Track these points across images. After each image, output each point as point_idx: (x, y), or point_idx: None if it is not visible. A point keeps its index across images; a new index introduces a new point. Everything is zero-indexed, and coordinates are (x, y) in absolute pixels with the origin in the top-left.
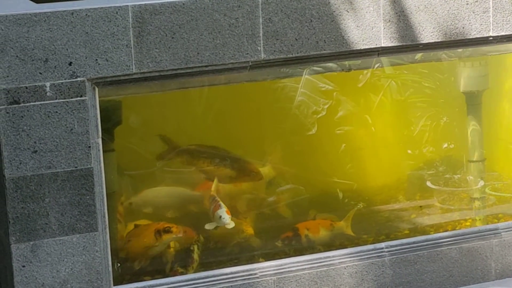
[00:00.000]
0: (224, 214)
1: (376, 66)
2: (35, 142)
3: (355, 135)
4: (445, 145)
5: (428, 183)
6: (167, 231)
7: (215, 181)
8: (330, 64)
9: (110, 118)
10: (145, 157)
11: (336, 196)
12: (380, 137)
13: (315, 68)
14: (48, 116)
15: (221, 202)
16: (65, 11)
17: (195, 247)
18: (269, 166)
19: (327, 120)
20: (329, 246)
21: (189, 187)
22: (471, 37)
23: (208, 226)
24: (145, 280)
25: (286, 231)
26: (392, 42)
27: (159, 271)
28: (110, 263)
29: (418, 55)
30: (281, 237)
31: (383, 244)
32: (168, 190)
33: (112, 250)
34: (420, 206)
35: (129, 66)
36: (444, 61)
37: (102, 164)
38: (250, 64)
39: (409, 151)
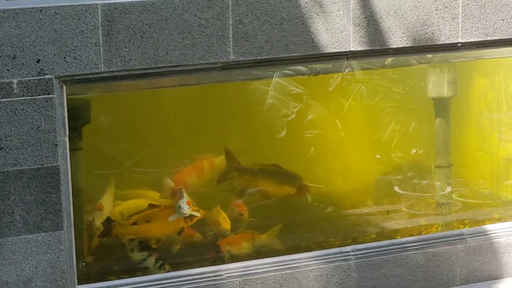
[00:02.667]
0: (184, 204)
1: (347, 70)
2: (1, 139)
3: (324, 139)
4: (414, 151)
5: (396, 188)
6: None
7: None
8: (300, 68)
9: (79, 117)
10: (114, 157)
11: (305, 199)
12: (349, 142)
13: (285, 71)
14: (15, 113)
15: (184, 193)
16: (33, 8)
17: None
18: (223, 156)
19: (296, 123)
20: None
21: (156, 188)
22: (440, 43)
23: (171, 218)
24: (110, 280)
25: (210, 251)
26: (361, 46)
27: (125, 271)
28: (74, 262)
29: (389, 60)
30: (205, 257)
31: (349, 248)
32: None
33: (77, 248)
34: (387, 211)
35: (98, 64)
36: (414, 66)
37: (68, 163)
38: (220, 65)
39: (378, 156)
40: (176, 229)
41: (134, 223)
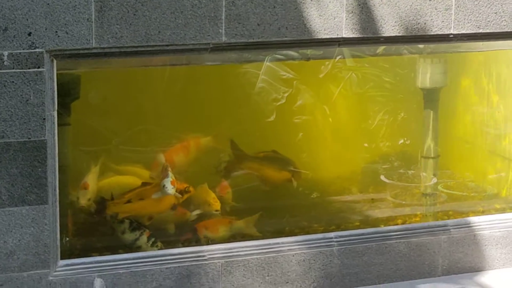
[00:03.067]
0: (168, 184)
1: (338, 57)
2: None
3: (312, 125)
4: (401, 141)
5: (382, 177)
6: (187, 191)
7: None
8: (292, 52)
9: (68, 92)
10: (102, 133)
11: (291, 184)
12: (337, 129)
13: (277, 55)
14: (4, 86)
15: (169, 172)
16: None
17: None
18: (210, 137)
19: (286, 108)
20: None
21: (144, 165)
22: (432, 33)
23: (154, 195)
24: (92, 256)
25: (186, 233)
26: (353, 33)
27: (108, 248)
28: (58, 236)
29: (380, 49)
30: (181, 240)
31: (332, 234)
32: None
33: (61, 224)
34: (372, 199)
35: (89, 40)
36: (405, 56)
37: (56, 137)
38: (211, 46)
39: (366, 144)
40: (169, 206)
41: (128, 201)
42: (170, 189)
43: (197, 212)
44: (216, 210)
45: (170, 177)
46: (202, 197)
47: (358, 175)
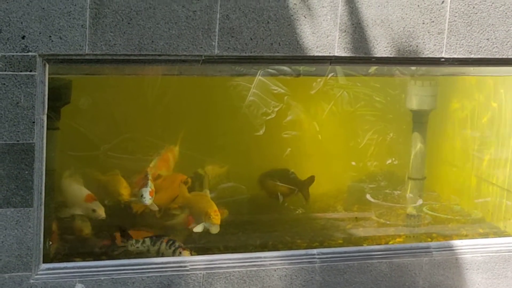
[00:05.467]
0: (146, 194)
1: (330, 75)
2: None
3: (301, 141)
4: (389, 161)
5: (368, 196)
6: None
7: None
8: (284, 68)
9: (59, 97)
10: (90, 139)
11: (276, 199)
12: (326, 146)
13: (269, 70)
14: None
15: (149, 181)
16: None
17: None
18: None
19: (275, 123)
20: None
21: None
22: (423, 56)
23: (196, 229)
24: (74, 261)
25: (105, 239)
26: (345, 52)
27: (90, 254)
28: (42, 240)
29: (372, 69)
30: (98, 245)
31: (315, 251)
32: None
33: (45, 227)
34: (356, 218)
35: (82, 46)
36: (397, 77)
37: (44, 141)
38: (203, 58)
39: (353, 163)
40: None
41: None
42: (148, 199)
43: (199, 228)
44: (216, 224)
45: (149, 186)
46: (203, 208)
47: (344, 193)
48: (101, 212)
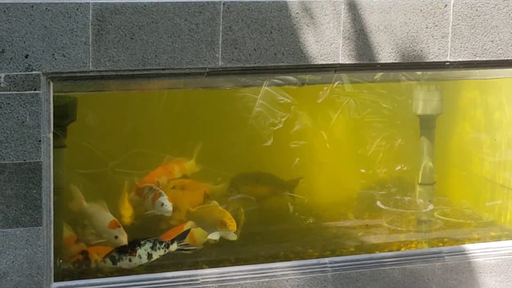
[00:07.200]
0: (166, 201)
1: (336, 83)
2: None
3: (309, 150)
4: (398, 167)
5: (378, 203)
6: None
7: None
8: (290, 77)
9: (65, 114)
10: (98, 156)
11: (287, 209)
12: (334, 154)
13: (275, 80)
14: (0, 107)
15: (161, 190)
16: (25, 3)
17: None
18: (193, 160)
19: (283, 133)
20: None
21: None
22: (428, 60)
23: (211, 236)
24: (86, 279)
25: (77, 254)
26: (350, 59)
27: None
28: (52, 258)
29: (378, 75)
30: (71, 260)
31: (327, 260)
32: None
33: (55, 246)
34: (367, 225)
35: (86, 63)
36: (403, 82)
37: (51, 159)
38: (208, 70)
39: (362, 170)
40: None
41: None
42: (170, 205)
43: (215, 236)
44: (232, 231)
45: (165, 194)
46: (216, 216)
47: (354, 201)
48: (124, 239)
